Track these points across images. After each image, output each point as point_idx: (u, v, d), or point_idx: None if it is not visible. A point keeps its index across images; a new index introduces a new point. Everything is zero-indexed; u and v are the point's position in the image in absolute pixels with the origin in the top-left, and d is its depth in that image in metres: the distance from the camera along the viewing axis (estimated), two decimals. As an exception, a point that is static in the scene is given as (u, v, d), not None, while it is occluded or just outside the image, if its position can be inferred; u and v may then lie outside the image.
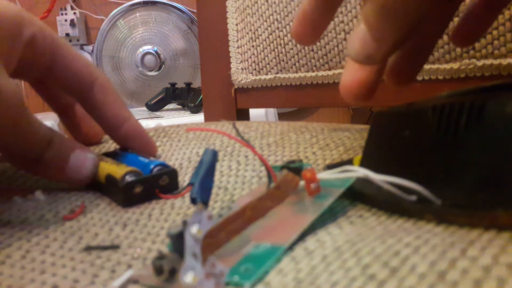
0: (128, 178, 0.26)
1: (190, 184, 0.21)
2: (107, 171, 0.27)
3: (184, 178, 0.29)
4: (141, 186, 0.26)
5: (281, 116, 1.32)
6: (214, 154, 0.22)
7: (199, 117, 1.32)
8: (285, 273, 0.17)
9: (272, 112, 1.31)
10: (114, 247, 0.21)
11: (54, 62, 0.29)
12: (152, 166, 0.27)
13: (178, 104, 1.50)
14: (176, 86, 1.47)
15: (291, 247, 0.19)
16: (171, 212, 0.25)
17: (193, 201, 0.21)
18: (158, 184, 0.26)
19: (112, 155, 0.30)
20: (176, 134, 0.37)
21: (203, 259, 0.17)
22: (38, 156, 0.27)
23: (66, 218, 0.24)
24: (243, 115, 0.57)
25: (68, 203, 0.26)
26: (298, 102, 0.52)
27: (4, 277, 0.19)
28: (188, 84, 1.47)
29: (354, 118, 1.40)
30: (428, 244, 0.17)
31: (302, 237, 0.19)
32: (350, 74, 0.24)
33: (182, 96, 1.46)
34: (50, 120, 1.27)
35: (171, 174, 0.27)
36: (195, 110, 1.38)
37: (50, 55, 0.29)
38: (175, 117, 1.36)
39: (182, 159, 0.32)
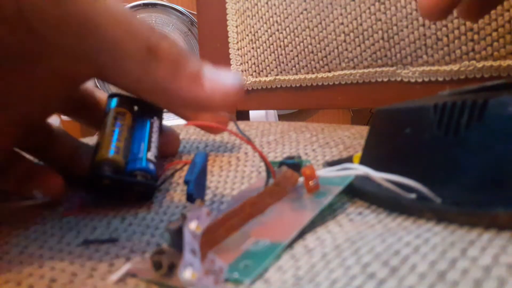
0: (103, 171, 0.24)
1: (186, 181, 0.21)
2: (100, 136, 0.25)
3: (180, 174, 0.29)
4: (111, 181, 0.24)
5: (282, 118, 1.32)
6: (206, 156, 0.22)
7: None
8: (285, 270, 0.17)
9: (272, 113, 1.31)
10: (112, 240, 0.21)
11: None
12: (135, 170, 0.25)
13: (178, 106, 1.50)
14: (176, 88, 1.47)
15: (290, 245, 0.19)
16: (170, 205, 0.25)
17: (190, 197, 0.21)
18: (132, 188, 0.25)
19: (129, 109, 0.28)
20: (176, 128, 0.38)
21: (202, 255, 0.17)
22: (153, 45, 0.19)
23: (65, 215, 0.24)
24: (243, 116, 0.57)
25: (66, 199, 0.26)
26: (298, 103, 0.52)
27: (2, 271, 0.19)
28: (188, 86, 1.47)
29: (354, 120, 1.40)
30: (428, 243, 0.17)
31: (301, 234, 0.19)
32: None
33: (182, 98, 1.46)
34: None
35: (148, 187, 0.25)
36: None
37: None
38: (175, 119, 1.36)
39: (182, 152, 0.33)
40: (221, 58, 0.54)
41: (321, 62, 0.47)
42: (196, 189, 0.21)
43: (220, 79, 0.20)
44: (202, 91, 0.20)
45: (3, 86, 0.20)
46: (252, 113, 0.60)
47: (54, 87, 0.22)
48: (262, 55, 0.51)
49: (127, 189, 0.25)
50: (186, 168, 0.30)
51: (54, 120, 1.31)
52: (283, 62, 0.50)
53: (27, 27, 0.18)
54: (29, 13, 0.18)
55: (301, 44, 0.48)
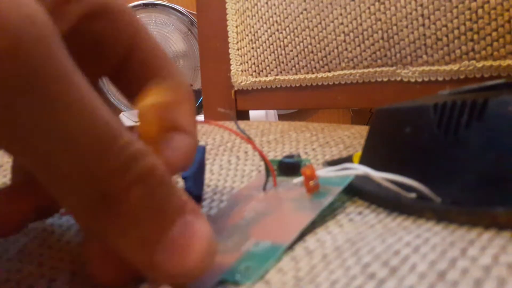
0: None
1: (183, 177, 0.21)
2: None
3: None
4: None
5: (281, 118, 1.32)
6: (204, 150, 0.22)
7: (199, 119, 1.31)
8: (285, 272, 0.17)
9: (272, 113, 1.31)
10: None
11: (132, 50, 0.20)
12: None
13: (178, 106, 1.51)
14: (176, 88, 1.47)
15: (291, 246, 0.19)
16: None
17: (188, 194, 0.21)
18: None
19: None
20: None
21: None
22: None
23: (64, 214, 0.24)
24: (243, 116, 0.57)
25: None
26: (298, 103, 0.52)
27: (1, 271, 0.19)
28: (188, 86, 1.47)
29: (354, 120, 1.40)
30: (428, 243, 0.17)
31: (301, 235, 0.19)
32: None
33: (182, 98, 1.46)
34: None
35: None
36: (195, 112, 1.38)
37: (129, 38, 0.19)
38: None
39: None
40: (221, 58, 0.54)
41: (321, 62, 0.47)
42: (194, 185, 0.21)
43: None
44: None
45: None
46: (252, 113, 0.59)
47: None
48: (262, 55, 0.51)
49: None
50: None
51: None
52: (283, 62, 0.50)
53: None
54: None
55: (301, 44, 0.48)
